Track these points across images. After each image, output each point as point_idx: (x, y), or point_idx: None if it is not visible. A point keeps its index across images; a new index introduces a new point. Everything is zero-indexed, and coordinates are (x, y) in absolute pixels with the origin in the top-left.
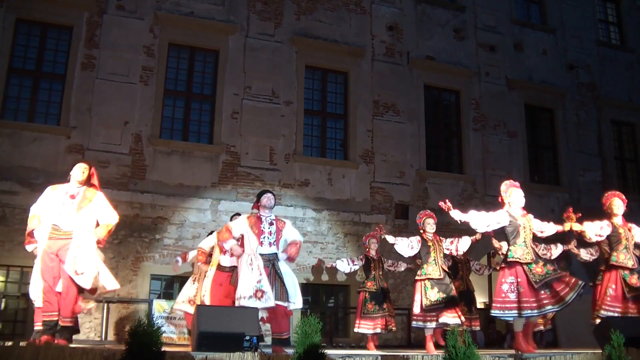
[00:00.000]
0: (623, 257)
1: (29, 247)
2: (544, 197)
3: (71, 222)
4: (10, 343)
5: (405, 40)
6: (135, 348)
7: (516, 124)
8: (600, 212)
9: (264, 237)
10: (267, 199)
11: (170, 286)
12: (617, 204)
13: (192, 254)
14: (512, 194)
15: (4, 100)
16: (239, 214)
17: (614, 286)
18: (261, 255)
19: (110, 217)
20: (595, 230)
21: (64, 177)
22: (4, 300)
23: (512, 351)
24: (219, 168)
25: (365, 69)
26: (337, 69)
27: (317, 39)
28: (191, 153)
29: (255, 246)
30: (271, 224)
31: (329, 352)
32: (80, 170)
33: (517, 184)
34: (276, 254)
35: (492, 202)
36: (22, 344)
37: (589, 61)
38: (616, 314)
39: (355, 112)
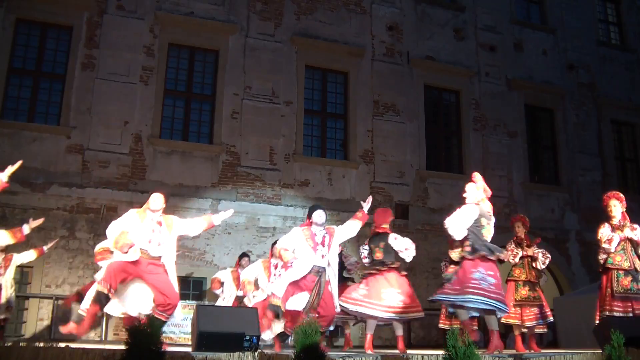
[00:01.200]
0: (619, 258)
1: (102, 263)
2: (544, 197)
3: (160, 250)
4: (10, 343)
5: (405, 40)
6: (135, 348)
7: (516, 124)
8: (600, 213)
9: (318, 249)
10: (317, 215)
11: None
12: (614, 203)
13: (223, 275)
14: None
15: (4, 100)
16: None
17: (609, 287)
18: (313, 265)
19: (198, 220)
20: (614, 246)
21: (64, 177)
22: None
23: (512, 351)
24: (219, 168)
25: (365, 69)
26: (337, 69)
27: (317, 39)
28: (191, 153)
29: (310, 256)
30: (324, 237)
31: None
32: (161, 201)
33: (473, 176)
34: (325, 267)
35: (492, 202)
36: (22, 344)
37: (589, 61)
38: (619, 314)
39: (355, 112)
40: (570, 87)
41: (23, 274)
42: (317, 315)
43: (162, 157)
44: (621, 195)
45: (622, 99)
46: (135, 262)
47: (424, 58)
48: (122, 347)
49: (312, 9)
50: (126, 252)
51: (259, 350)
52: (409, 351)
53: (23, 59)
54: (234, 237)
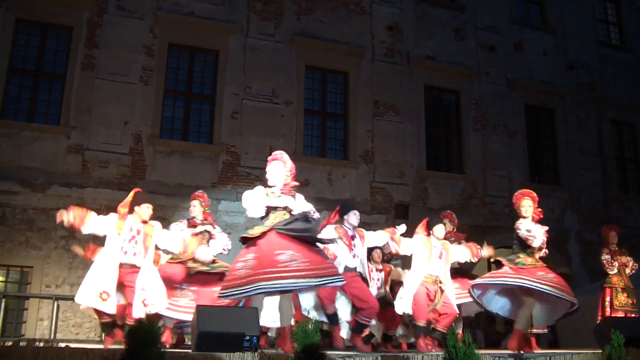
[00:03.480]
0: (530, 260)
1: None
2: (544, 197)
3: None
4: (10, 343)
5: (405, 40)
6: (135, 348)
7: (516, 124)
8: (601, 213)
9: (434, 260)
10: (438, 229)
11: None
12: (526, 204)
13: None
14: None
15: (4, 100)
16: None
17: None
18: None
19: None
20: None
21: (64, 177)
22: (4, 300)
23: (512, 351)
24: (219, 168)
25: (365, 69)
26: (337, 69)
27: (317, 39)
28: (191, 153)
29: (427, 266)
30: (441, 251)
31: (329, 352)
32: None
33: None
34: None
35: (492, 202)
36: (22, 343)
37: (589, 61)
38: None
39: (355, 112)
40: (570, 87)
41: (23, 274)
42: (439, 315)
43: (162, 157)
44: (534, 195)
45: (622, 99)
46: None
47: (424, 58)
48: (122, 347)
49: (312, 9)
50: None
51: (259, 350)
52: (409, 351)
53: (23, 59)
54: (234, 237)
